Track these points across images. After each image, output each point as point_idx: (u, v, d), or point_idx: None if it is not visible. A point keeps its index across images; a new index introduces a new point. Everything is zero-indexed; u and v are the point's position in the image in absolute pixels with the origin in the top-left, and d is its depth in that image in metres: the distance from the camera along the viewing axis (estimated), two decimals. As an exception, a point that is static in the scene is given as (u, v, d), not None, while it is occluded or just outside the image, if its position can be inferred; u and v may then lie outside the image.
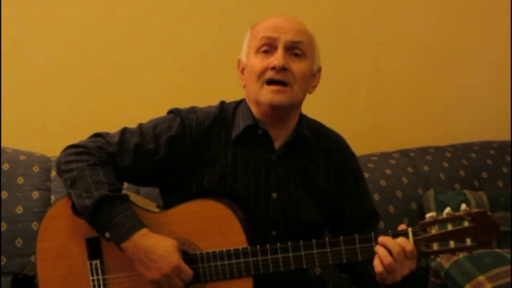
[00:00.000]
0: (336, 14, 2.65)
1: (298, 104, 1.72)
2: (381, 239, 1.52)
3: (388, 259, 1.49)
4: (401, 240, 1.51)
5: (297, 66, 1.65)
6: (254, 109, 1.71)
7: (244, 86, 1.73)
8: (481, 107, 2.84)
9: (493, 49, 2.83)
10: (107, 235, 1.55)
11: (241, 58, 1.75)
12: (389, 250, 1.49)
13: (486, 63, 2.83)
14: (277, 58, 1.63)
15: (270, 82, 1.64)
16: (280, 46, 1.64)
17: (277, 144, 1.72)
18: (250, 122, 1.69)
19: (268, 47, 1.66)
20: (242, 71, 1.74)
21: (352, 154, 1.84)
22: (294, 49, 1.66)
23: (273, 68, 1.62)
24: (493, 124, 2.81)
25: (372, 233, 1.55)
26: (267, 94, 1.64)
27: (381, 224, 2.30)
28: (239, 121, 1.72)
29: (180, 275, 1.55)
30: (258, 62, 1.66)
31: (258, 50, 1.67)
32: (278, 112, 1.68)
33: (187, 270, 1.56)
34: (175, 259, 1.54)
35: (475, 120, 2.84)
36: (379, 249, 1.51)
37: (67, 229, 1.63)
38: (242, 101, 1.77)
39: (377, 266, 1.50)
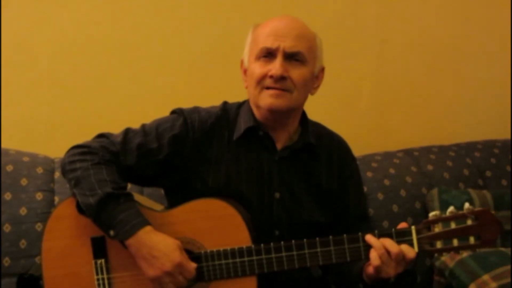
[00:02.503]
0: (339, 12, 2.65)
1: (299, 107, 1.72)
2: (367, 238, 1.55)
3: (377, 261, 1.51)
4: (387, 242, 1.52)
5: (297, 73, 1.64)
6: (255, 111, 1.71)
7: (247, 87, 1.73)
8: (485, 105, 2.84)
9: (497, 47, 2.82)
10: (112, 232, 1.55)
11: (243, 59, 1.75)
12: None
13: (490, 62, 2.82)
14: (276, 67, 1.62)
15: (269, 88, 1.64)
16: (279, 55, 1.63)
17: (279, 145, 1.72)
18: (251, 124, 1.70)
19: (268, 55, 1.65)
20: (245, 72, 1.74)
21: (352, 157, 1.85)
22: (294, 56, 1.65)
23: (271, 76, 1.62)
24: (497, 123, 2.80)
25: (376, 231, 1.56)
26: (266, 98, 1.64)
27: (385, 224, 2.30)
28: (241, 122, 1.72)
29: (183, 273, 1.55)
30: (258, 68, 1.65)
31: (258, 57, 1.66)
32: (278, 116, 1.68)
33: (190, 268, 1.55)
34: (177, 256, 1.54)
35: (479, 119, 2.83)
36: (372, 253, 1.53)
37: (73, 229, 1.63)
38: (245, 102, 1.78)
39: (374, 260, 1.51)
